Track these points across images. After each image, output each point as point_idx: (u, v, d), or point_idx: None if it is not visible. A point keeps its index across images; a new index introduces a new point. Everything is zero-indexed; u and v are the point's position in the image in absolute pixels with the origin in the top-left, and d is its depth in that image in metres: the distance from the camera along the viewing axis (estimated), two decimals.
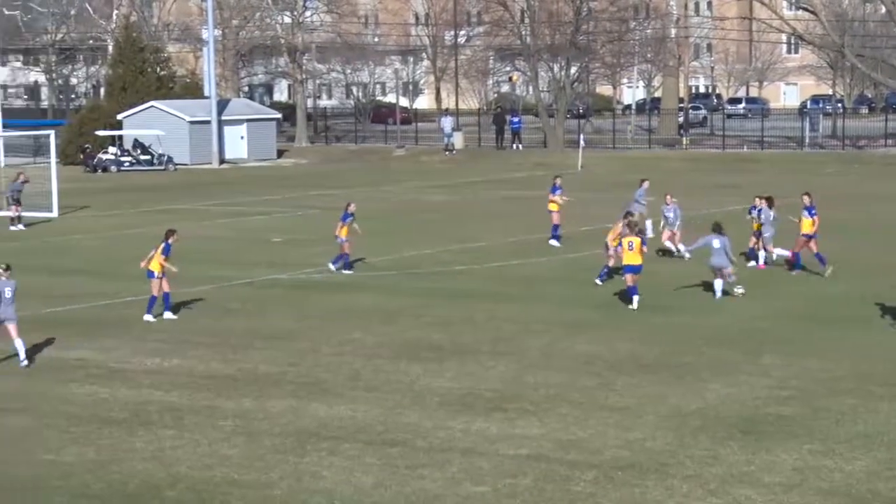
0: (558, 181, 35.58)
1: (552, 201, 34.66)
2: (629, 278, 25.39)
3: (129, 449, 16.21)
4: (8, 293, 20.73)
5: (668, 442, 16.19)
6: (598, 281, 27.75)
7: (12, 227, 40.34)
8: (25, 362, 20.92)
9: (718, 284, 26.09)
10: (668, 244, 31.73)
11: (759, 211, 29.83)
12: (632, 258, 25.34)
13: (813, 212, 28.89)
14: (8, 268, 21.06)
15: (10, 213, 40.85)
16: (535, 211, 43.19)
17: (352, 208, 30.40)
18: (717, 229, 26.17)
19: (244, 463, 15.60)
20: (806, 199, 29.12)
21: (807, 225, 28.80)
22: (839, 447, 15.83)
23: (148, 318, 24.55)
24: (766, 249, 29.77)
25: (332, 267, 30.36)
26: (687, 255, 30.14)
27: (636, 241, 25.43)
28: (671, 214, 31.72)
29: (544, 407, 17.91)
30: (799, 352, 21.18)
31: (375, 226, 34.52)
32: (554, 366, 20.48)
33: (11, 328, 20.82)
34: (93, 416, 17.80)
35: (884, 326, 23.27)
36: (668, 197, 31.93)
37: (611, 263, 27.76)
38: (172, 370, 20.62)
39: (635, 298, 25.16)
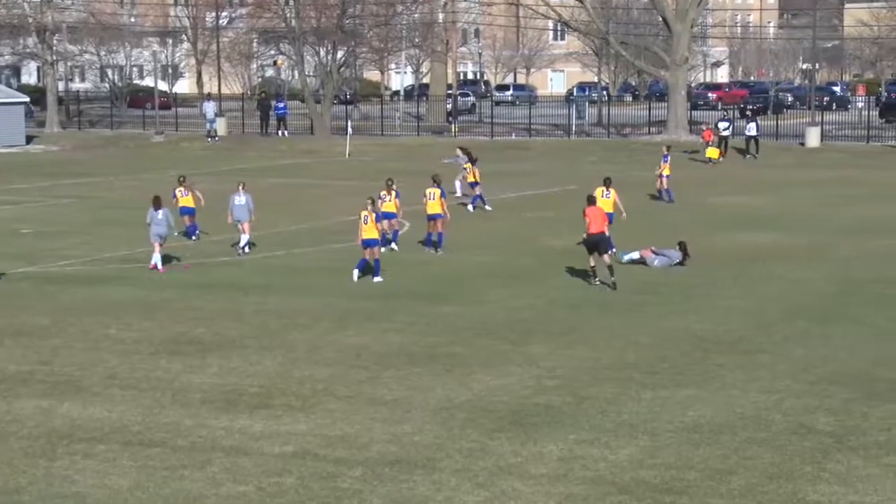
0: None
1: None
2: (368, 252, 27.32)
3: None
4: None
5: (437, 435, 16.39)
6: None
7: None
8: None
9: None
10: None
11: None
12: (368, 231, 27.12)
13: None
14: None
15: None
16: (301, 199, 43.10)
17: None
18: None
19: None
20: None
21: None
22: (604, 436, 16.32)
23: None
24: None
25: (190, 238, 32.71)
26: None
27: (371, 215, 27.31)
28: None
29: (311, 402, 17.90)
30: (565, 340, 21.74)
31: (134, 215, 33.80)
32: (322, 359, 20.48)
33: None
34: None
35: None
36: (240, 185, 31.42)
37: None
38: None
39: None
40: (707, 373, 19.54)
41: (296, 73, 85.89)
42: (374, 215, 27.37)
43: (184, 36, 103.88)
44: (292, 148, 66.42)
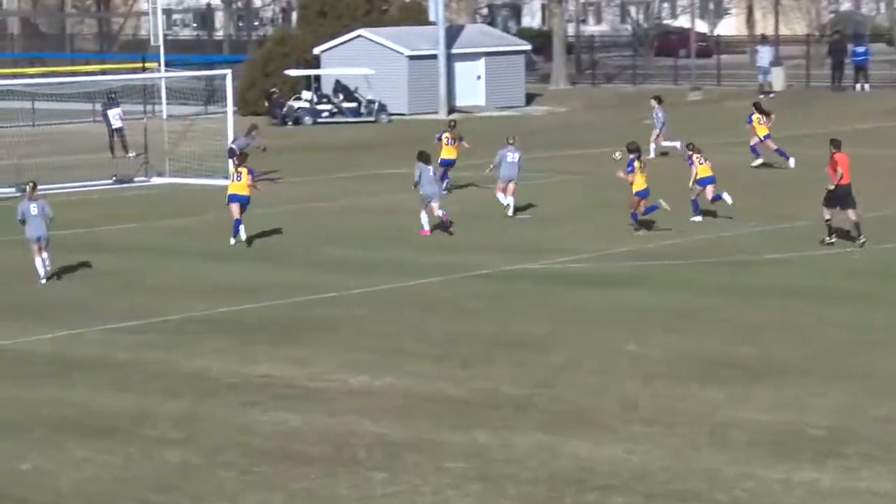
0: None
1: None
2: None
3: (329, 496, 16.56)
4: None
5: None
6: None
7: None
8: None
9: None
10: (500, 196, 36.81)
11: None
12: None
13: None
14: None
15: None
16: (882, 178, 42.13)
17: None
18: None
19: None
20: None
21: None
22: None
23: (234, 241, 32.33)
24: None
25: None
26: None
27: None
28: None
29: None
30: None
31: (679, 198, 34.04)
32: None
33: None
34: (281, 451, 18.25)
35: None
36: (509, 140, 37.29)
37: None
38: (385, 391, 20.97)
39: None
40: None
41: (882, 5, 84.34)
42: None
43: None
44: (874, 107, 65.26)
